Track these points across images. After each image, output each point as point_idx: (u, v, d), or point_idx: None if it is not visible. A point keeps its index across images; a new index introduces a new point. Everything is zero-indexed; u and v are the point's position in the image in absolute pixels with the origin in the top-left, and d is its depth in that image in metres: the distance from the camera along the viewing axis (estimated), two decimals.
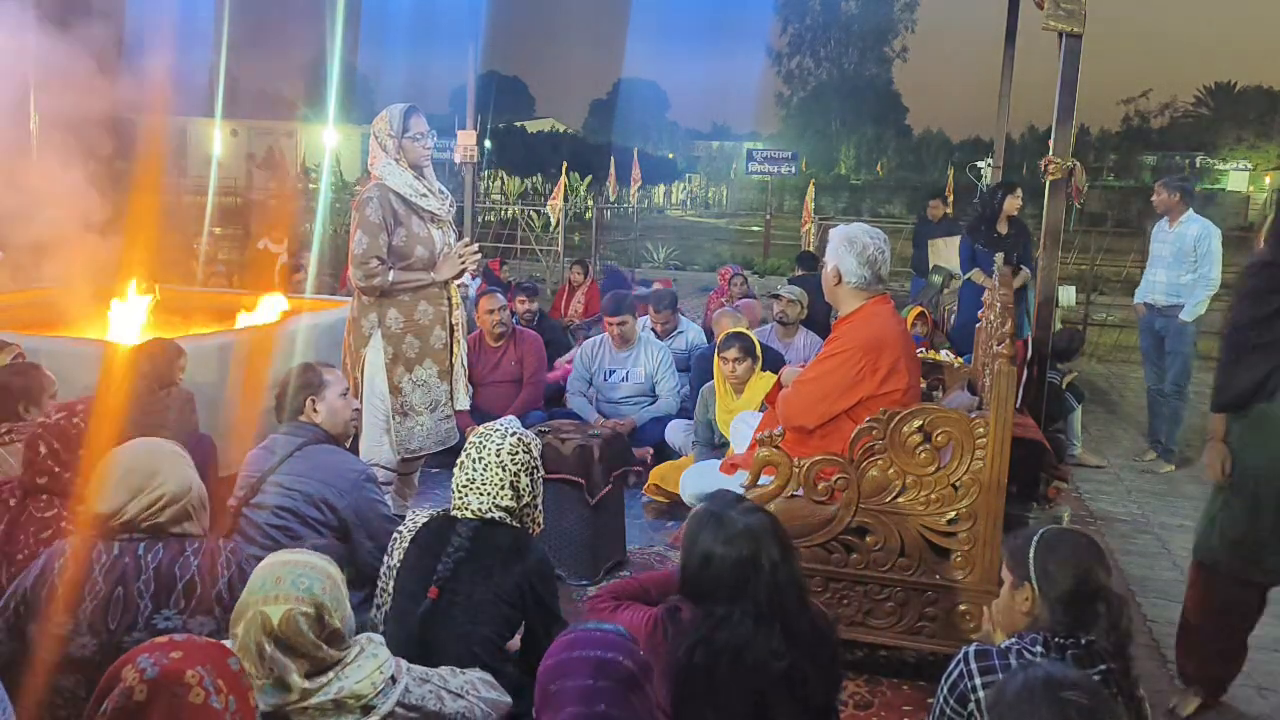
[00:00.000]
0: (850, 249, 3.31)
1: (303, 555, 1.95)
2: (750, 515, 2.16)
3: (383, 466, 3.77)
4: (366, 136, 3.92)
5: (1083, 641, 1.96)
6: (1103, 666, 1.91)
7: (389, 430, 3.80)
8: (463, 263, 3.85)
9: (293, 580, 1.85)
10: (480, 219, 15.91)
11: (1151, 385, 6.32)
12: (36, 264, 5.69)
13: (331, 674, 1.86)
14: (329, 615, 1.86)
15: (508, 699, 2.21)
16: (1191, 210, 5.98)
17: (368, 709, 1.87)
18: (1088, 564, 2.03)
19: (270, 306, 5.57)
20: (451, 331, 3.92)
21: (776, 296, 6.19)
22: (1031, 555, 2.09)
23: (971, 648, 2.05)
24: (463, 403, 4.01)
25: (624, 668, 1.76)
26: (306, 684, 1.82)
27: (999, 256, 6.16)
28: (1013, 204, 6.56)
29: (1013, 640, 2.04)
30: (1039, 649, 1.98)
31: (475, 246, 3.93)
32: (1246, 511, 2.92)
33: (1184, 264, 5.92)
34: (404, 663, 2.03)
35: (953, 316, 7.28)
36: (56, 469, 2.50)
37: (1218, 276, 5.83)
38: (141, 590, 2.08)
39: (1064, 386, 5.89)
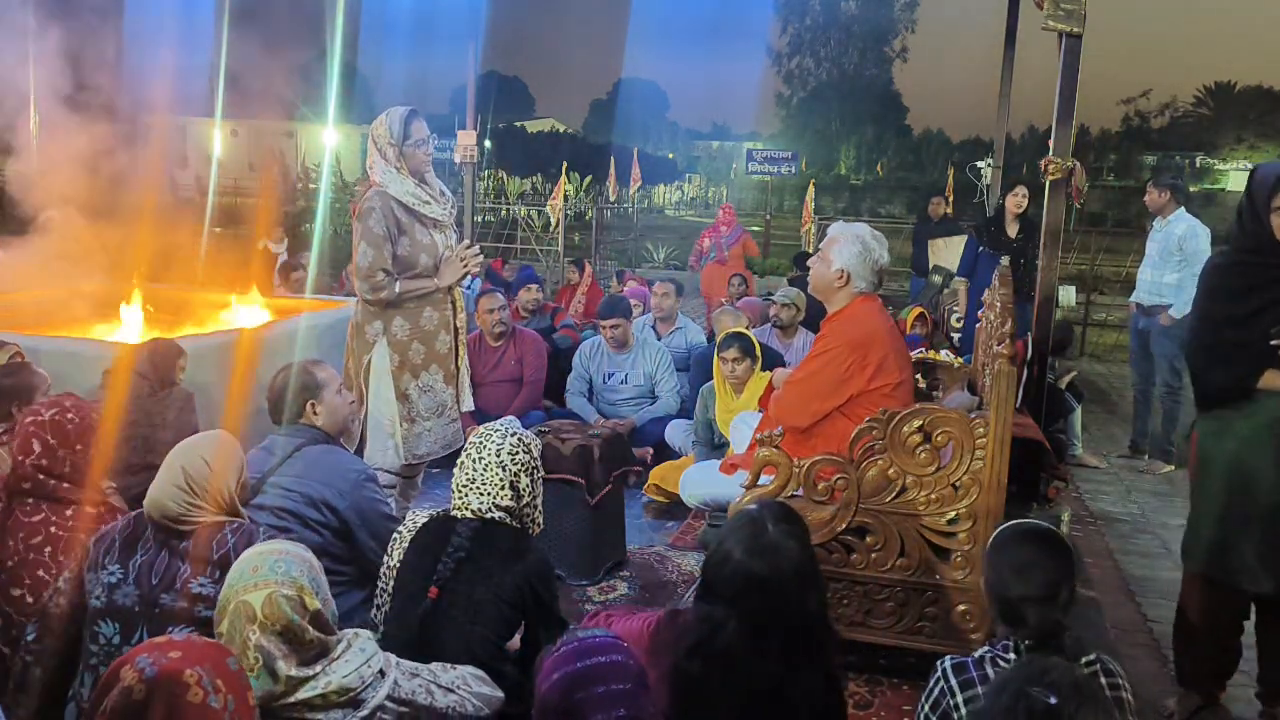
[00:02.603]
0: (865, 257, 3.34)
1: (276, 544, 1.99)
2: (786, 537, 2.09)
3: (386, 470, 3.76)
4: (366, 137, 3.89)
5: (1051, 644, 1.96)
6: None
7: (394, 435, 3.77)
8: (464, 266, 3.82)
9: (270, 567, 1.87)
10: (480, 219, 15.92)
11: (1136, 385, 6.31)
12: (37, 263, 5.69)
13: (320, 666, 1.86)
14: (309, 597, 1.87)
15: (499, 694, 2.21)
16: (1182, 209, 5.96)
17: (356, 702, 1.87)
18: (1011, 572, 2.05)
19: (255, 309, 5.57)
20: (455, 334, 3.91)
21: (772, 301, 6.20)
22: (985, 568, 2.14)
23: (948, 661, 2.05)
24: (467, 404, 3.99)
25: (631, 669, 1.77)
26: (293, 672, 1.82)
27: (1005, 259, 6.14)
28: (1014, 201, 6.43)
29: (985, 649, 2.04)
30: (1012, 656, 1.98)
31: (476, 248, 3.90)
32: (1220, 515, 2.87)
33: (1169, 263, 5.91)
34: (393, 657, 2.03)
35: (953, 316, 7.27)
36: (46, 463, 2.50)
37: None
38: (184, 555, 2.21)
39: (1063, 386, 5.88)
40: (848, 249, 3.35)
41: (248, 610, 1.82)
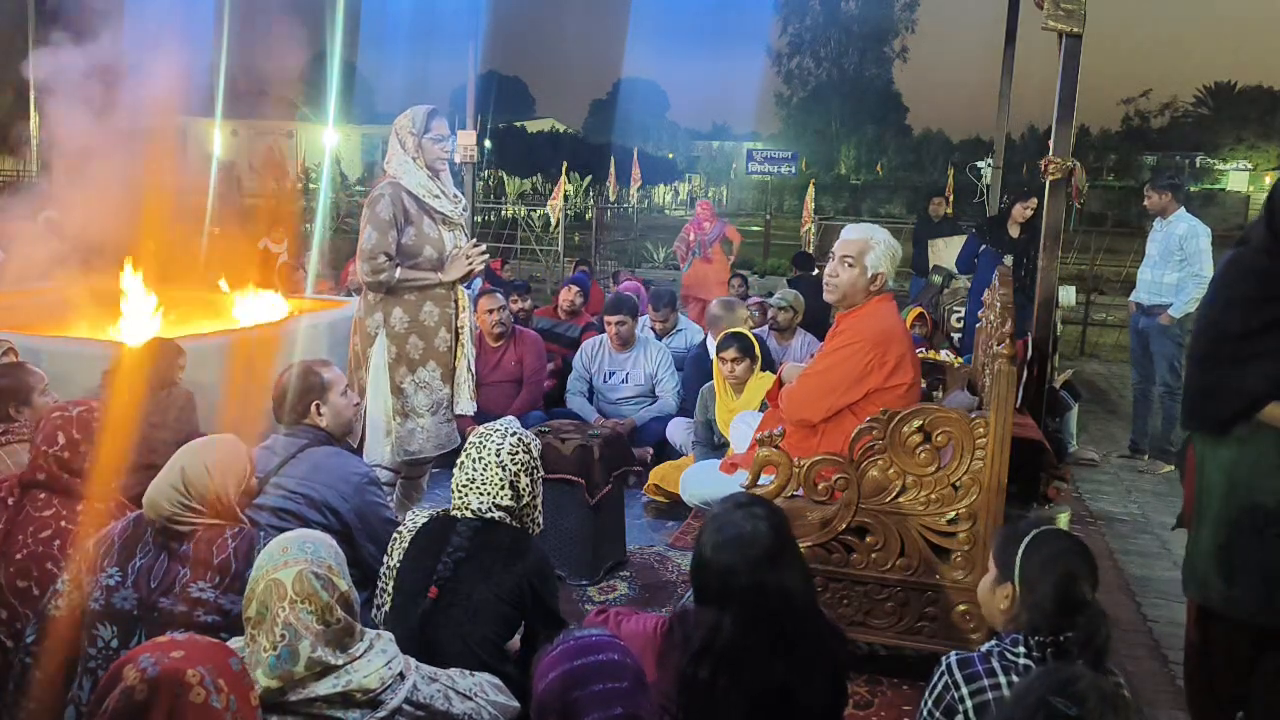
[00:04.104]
0: (894, 257, 3.41)
1: (301, 531, 2.03)
2: (749, 522, 2.12)
3: (384, 467, 3.76)
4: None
5: (1062, 639, 1.94)
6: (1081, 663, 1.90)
7: (389, 431, 3.78)
8: (470, 264, 3.83)
9: (299, 547, 1.91)
10: (480, 219, 15.92)
11: (1136, 385, 6.33)
12: (39, 263, 5.69)
13: (341, 658, 1.86)
14: (338, 578, 1.90)
15: (515, 704, 2.21)
16: (1183, 209, 5.99)
17: (375, 704, 1.87)
18: (1073, 577, 1.98)
19: (269, 306, 5.58)
20: (457, 335, 3.91)
21: (769, 304, 6.21)
22: (1019, 558, 2.05)
23: (953, 656, 2.03)
24: (466, 407, 3.95)
25: (628, 667, 1.77)
26: (316, 654, 1.82)
27: (1008, 259, 6.17)
28: (1021, 212, 6.55)
29: (992, 643, 2.03)
30: (1020, 650, 1.97)
31: (483, 248, 3.91)
32: (1250, 539, 2.58)
33: (1169, 262, 5.93)
34: (413, 661, 2.03)
35: (953, 316, 7.28)
36: (68, 455, 2.53)
37: (1209, 274, 5.80)
38: (183, 559, 2.21)
39: (1058, 385, 5.89)
40: (881, 252, 3.37)
41: (279, 588, 1.83)
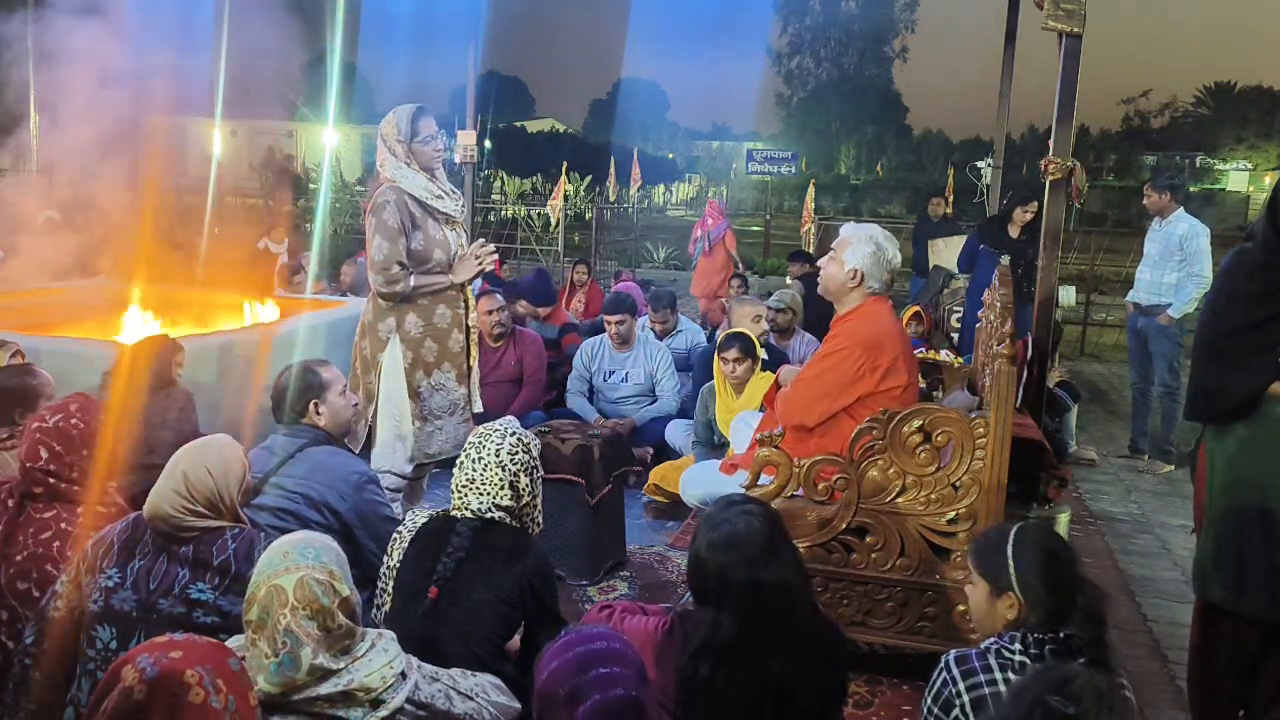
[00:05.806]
0: (878, 258, 3.36)
1: (304, 534, 2.01)
2: (742, 519, 2.14)
3: (394, 474, 3.73)
4: (366, 137, 3.90)
5: (1061, 636, 1.96)
6: (1081, 660, 1.91)
7: (403, 436, 3.73)
8: (479, 263, 3.81)
9: (300, 552, 1.89)
10: (480, 219, 15.92)
11: (1135, 385, 6.33)
12: (40, 264, 5.69)
13: (343, 662, 1.86)
14: (339, 582, 1.89)
15: (517, 704, 2.20)
16: (1182, 209, 5.99)
17: (377, 703, 1.87)
18: (1062, 560, 2.05)
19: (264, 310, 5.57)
20: (467, 333, 3.90)
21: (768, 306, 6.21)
22: (1011, 564, 2.08)
23: (951, 654, 2.05)
24: (477, 406, 3.94)
25: (629, 656, 1.77)
26: (318, 660, 1.81)
27: (1005, 259, 6.17)
28: (1021, 215, 6.58)
29: (991, 641, 2.05)
30: (1017, 646, 1.99)
31: (491, 247, 3.89)
32: (1238, 539, 2.59)
33: (1169, 263, 5.93)
34: (415, 660, 2.03)
35: (953, 316, 7.28)
36: (54, 468, 2.49)
37: (1209, 275, 5.81)
38: (182, 560, 2.20)
39: (1051, 385, 5.88)
40: (861, 249, 3.35)
41: (280, 594, 1.82)
